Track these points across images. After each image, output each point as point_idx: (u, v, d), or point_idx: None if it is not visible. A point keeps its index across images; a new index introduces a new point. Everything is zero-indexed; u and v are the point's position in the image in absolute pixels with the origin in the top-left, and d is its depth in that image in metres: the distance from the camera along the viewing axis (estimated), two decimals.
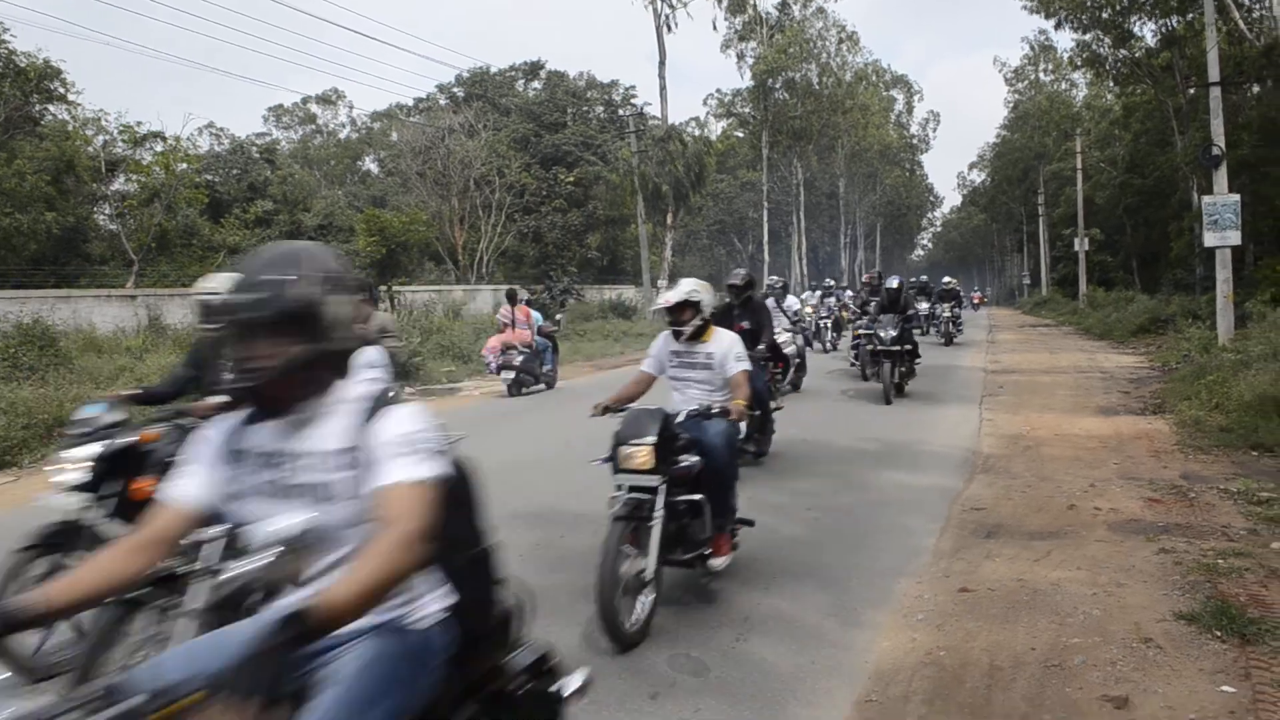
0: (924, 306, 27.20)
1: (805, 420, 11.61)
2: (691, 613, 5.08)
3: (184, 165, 30.59)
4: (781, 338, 12.97)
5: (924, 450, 10.03)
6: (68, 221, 27.90)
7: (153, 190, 29.07)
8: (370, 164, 66.04)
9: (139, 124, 30.63)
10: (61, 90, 28.76)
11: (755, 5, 51.34)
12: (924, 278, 35.33)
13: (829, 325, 23.67)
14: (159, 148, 30.82)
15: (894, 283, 15.09)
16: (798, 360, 14.69)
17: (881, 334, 13.85)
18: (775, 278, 16.73)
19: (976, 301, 52.00)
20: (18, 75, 25.43)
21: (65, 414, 11.46)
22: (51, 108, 29.76)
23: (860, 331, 17.01)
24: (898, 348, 13.71)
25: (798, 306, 14.98)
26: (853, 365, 17.47)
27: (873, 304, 16.44)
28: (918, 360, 14.82)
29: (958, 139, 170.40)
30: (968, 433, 11.07)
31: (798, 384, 14.80)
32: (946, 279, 30.32)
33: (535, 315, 16.86)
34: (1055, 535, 6.41)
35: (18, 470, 10.30)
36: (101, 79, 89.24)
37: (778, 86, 51.49)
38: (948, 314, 26.26)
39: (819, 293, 26.39)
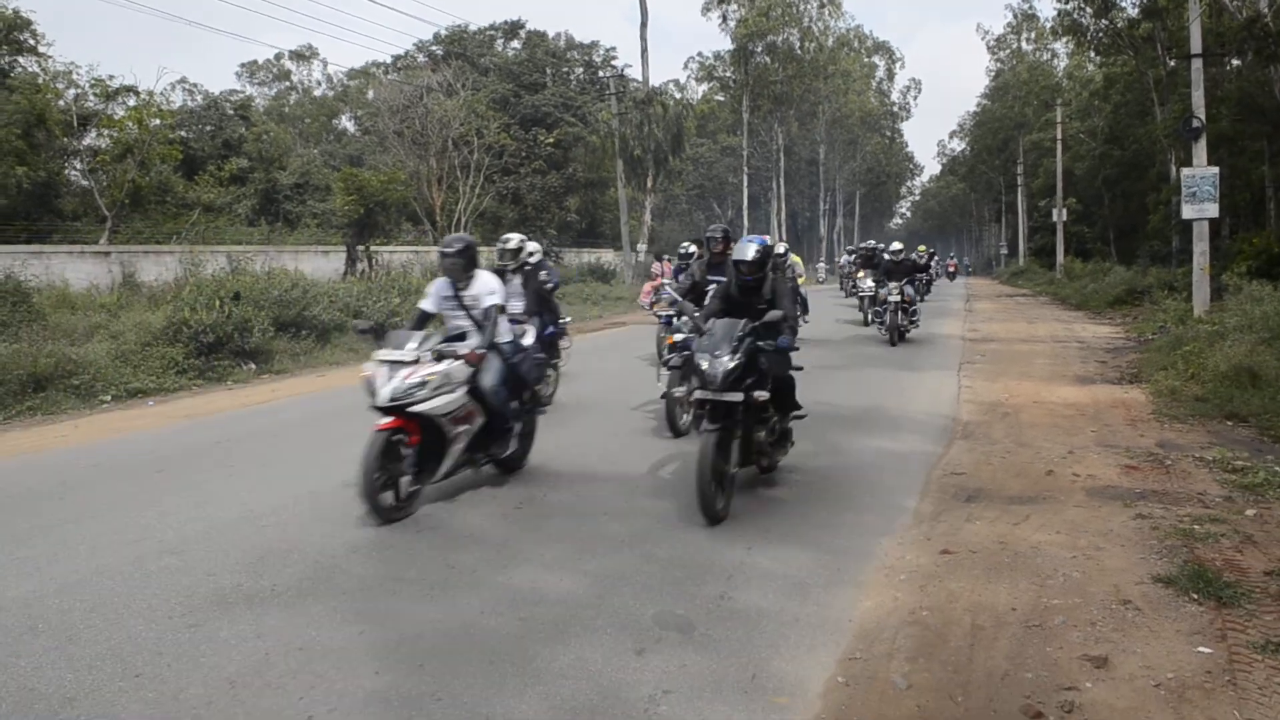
0: (868, 285, 20.61)
1: None
2: (676, 570, 5.09)
3: (157, 121, 30.04)
4: (439, 380, 6.30)
5: (903, 416, 10.08)
6: (39, 176, 27.40)
7: (126, 146, 28.55)
8: (347, 122, 65.20)
9: (111, 78, 30.09)
10: (31, 42, 28.17)
11: None
12: (871, 242, 26.36)
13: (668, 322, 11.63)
14: (131, 102, 30.27)
15: (749, 252, 6.87)
16: (473, 423, 6.81)
17: (706, 366, 6.21)
18: (510, 236, 9.68)
19: (952, 270, 50.80)
20: None
21: (40, 370, 11.36)
22: (21, 60, 29.15)
23: (670, 346, 9.54)
24: (737, 397, 6.16)
25: (552, 283, 9.25)
26: (663, 398, 9.19)
27: (710, 290, 7.85)
28: (798, 415, 7.29)
29: (939, 107, 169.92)
30: (947, 399, 11.13)
31: (511, 462, 7.38)
32: (897, 245, 19.95)
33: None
34: (1034, 500, 6.47)
35: None
36: (72, 30, 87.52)
37: (759, 50, 51.20)
38: (897, 297, 16.96)
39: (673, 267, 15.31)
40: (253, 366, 14.15)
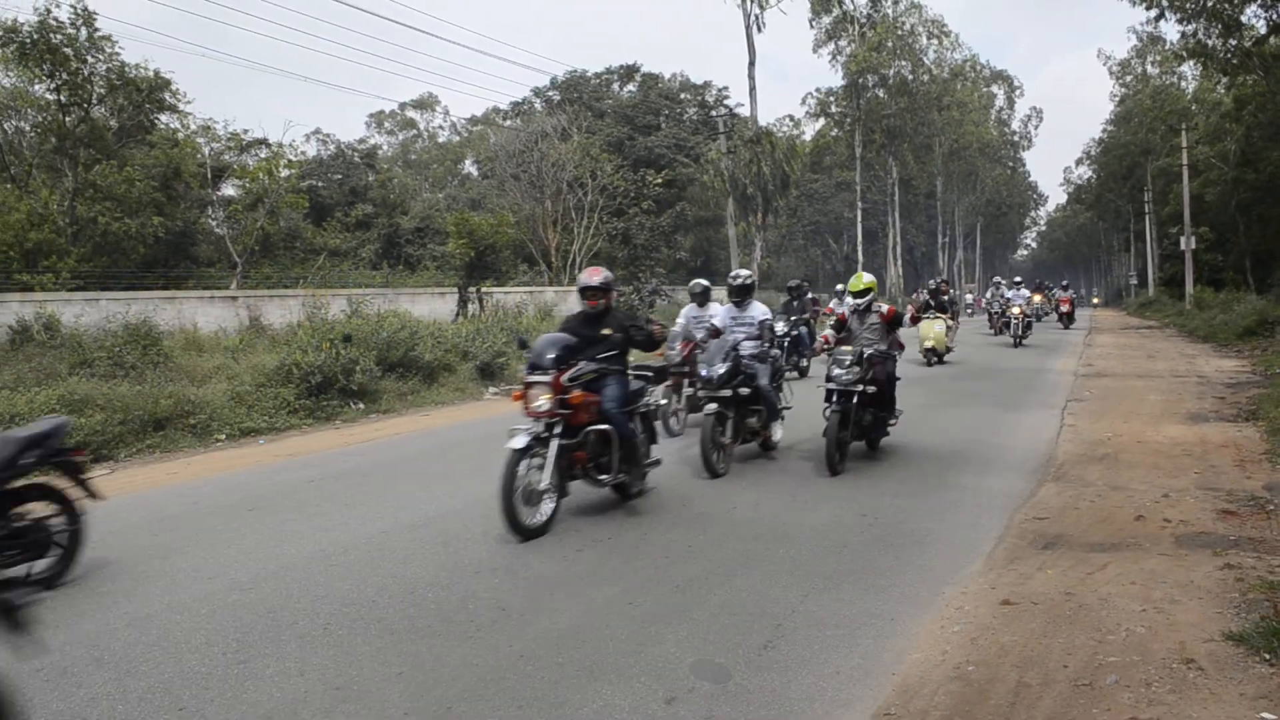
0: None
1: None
2: (725, 617, 5.03)
3: (286, 171, 31.61)
4: None
5: (997, 455, 9.77)
6: (175, 226, 29.06)
7: (256, 195, 30.14)
8: (470, 167, 67.24)
9: (245, 131, 31.86)
10: (172, 100, 29.95)
11: (842, 3, 50.72)
12: (797, 281, 19.71)
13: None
14: (263, 154, 31.99)
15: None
16: None
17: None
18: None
19: (1066, 307, 37.05)
20: (128, 86, 26.54)
21: (160, 410, 11.99)
22: (163, 117, 31.03)
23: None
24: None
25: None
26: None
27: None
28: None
29: (1066, 133, 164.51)
30: (1046, 438, 10.75)
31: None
32: (843, 288, 13.01)
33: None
34: (1117, 547, 6.19)
35: (113, 463, 10.71)
36: (217, 92, 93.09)
37: (871, 84, 50.81)
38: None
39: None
40: (360, 406, 14.62)
